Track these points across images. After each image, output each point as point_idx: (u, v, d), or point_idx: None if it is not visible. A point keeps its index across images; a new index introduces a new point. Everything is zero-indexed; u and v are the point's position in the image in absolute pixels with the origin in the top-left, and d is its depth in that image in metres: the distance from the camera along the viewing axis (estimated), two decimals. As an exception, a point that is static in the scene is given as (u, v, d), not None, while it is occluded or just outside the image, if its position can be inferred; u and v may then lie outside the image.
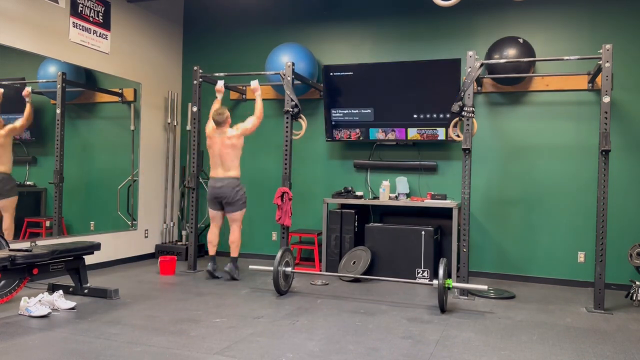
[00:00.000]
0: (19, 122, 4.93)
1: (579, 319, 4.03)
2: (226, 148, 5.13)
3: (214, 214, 5.31)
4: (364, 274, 5.25)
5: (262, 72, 5.77)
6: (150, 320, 3.73)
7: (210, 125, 5.27)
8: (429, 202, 5.43)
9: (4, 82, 4.81)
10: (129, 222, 6.14)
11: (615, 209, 5.12)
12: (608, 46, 4.26)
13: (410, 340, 3.40)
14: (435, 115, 5.56)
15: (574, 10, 5.39)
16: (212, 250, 5.34)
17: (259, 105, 5.29)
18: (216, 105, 5.41)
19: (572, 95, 5.38)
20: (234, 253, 5.28)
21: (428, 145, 5.85)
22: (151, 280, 5.13)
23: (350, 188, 5.85)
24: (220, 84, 5.51)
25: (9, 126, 4.87)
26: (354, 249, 5.52)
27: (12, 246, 4.22)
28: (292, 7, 6.44)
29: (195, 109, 5.61)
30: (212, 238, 5.34)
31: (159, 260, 5.52)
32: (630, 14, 5.21)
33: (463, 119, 4.63)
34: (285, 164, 5.21)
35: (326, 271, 5.62)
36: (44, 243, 4.62)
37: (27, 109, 4.98)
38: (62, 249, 4.13)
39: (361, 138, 5.90)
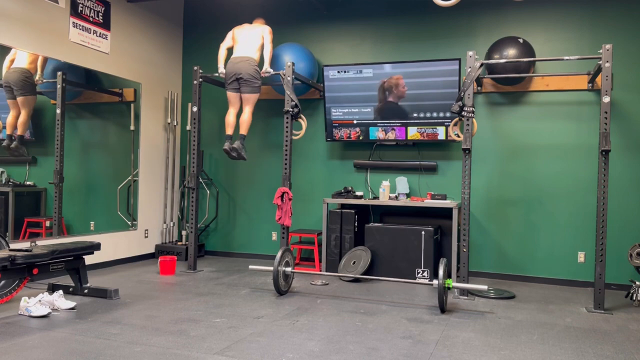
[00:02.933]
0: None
1: (579, 319, 4.03)
2: (250, 39, 5.44)
3: (231, 96, 5.48)
4: (364, 274, 5.25)
5: (262, 72, 5.76)
6: (150, 320, 3.73)
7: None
8: (429, 202, 5.43)
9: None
10: (129, 222, 6.14)
11: (615, 209, 5.12)
12: (608, 46, 4.26)
13: (410, 340, 3.40)
14: (435, 114, 5.56)
15: (574, 10, 5.39)
16: (229, 130, 5.56)
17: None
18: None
19: (572, 95, 5.38)
20: (243, 131, 5.52)
21: (428, 145, 5.85)
22: (151, 280, 5.13)
23: (350, 188, 5.85)
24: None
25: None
26: (354, 249, 5.52)
27: (12, 246, 4.22)
28: (292, 7, 6.44)
29: (195, 109, 5.60)
30: (230, 119, 5.54)
31: (159, 260, 5.52)
32: (630, 14, 5.21)
33: (463, 119, 4.63)
34: (285, 164, 5.22)
35: (326, 271, 5.62)
36: (44, 243, 4.62)
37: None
38: (62, 249, 4.13)
39: (361, 138, 5.90)
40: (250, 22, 5.70)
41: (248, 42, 5.43)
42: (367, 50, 6.13)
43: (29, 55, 4.92)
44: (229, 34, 5.60)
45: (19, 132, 4.98)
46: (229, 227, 6.73)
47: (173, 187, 6.78)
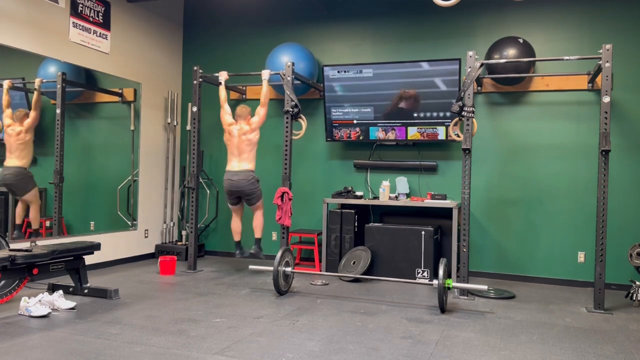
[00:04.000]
0: (31, 113, 5.01)
1: (579, 319, 4.03)
2: (243, 143, 5.25)
3: (233, 208, 5.45)
4: (364, 274, 5.25)
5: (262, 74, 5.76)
6: (150, 320, 3.73)
7: (227, 118, 5.34)
8: (429, 202, 5.43)
9: (4, 81, 4.82)
10: (129, 222, 6.14)
11: (615, 209, 5.12)
12: (608, 46, 4.26)
13: (410, 340, 3.40)
14: (435, 114, 5.56)
15: (574, 10, 5.39)
16: (236, 237, 5.52)
17: (263, 91, 5.29)
18: (222, 91, 5.41)
19: (572, 95, 5.38)
20: (258, 235, 5.49)
21: (428, 145, 5.85)
22: (151, 280, 5.13)
23: (350, 188, 5.85)
24: (223, 73, 5.49)
25: (26, 122, 4.96)
26: (354, 249, 5.52)
27: (12, 246, 4.22)
28: (292, 7, 6.44)
29: (195, 109, 5.60)
30: (235, 227, 5.52)
31: (159, 260, 5.52)
32: (630, 14, 5.21)
33: (463, 119, 4.63)
34: (285, 164, 5.21)
35: (326, 271, 5.62)
36: (44, 243, 4.62)
37: (35, 96, 5.04)
38: (62, 249, 4.13)
39: (361, 138, 5.90)
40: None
41: (240, 149, 5.22)
42: (367, 50, 6.12)
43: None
44: (228, 118, 5.32)
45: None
46: (229, 227, 6.68)
47: (173, 187, 6.78)
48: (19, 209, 4.94)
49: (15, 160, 4.90)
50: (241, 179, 5.18)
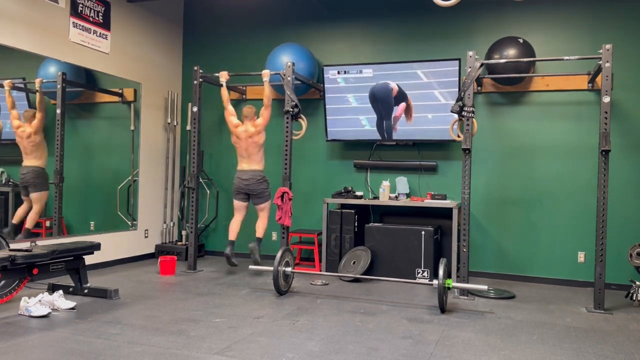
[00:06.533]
0: (36, 115, 5.04)
1: (579, 319, 4.03)
2: (249, 144, 5.36)
3: (238, 205, 5.50)
4: (364, 274, 5.25)
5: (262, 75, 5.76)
6: (150, 320, 3.73)
7: (232, 120, 5.42)
8: (428, 202, 5.43)
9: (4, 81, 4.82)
10: (129, 222, 6.14)
11: (615, 209, 5.12)
12: (608, 46, 4.26)
13: (410, 340, 3.40)
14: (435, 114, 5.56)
15: (574, 10, 5.39)
16: (232, 236, 5.52)
17: (265, 93, 5.33)
18: (225, 92, 5.47)
19: (572, 95, 5.38)
20: (259, 234, 5.53)
21: (428, 145, 5.85)
22: (151, 280, 5.13)
23: (350, 188, 5.85)
24: (224, 74, 5.49)
25: (33, 123, 5.01)
26: (354, 249, 5.52)
27: (12, 246, 4.22)
28: (292, 7, 6.44)
29: (195, 109, 5.60)
30: (234, 226, 5.54)
31: (159, 260, 5.52)
32: (630, 14, 5.21)
33: (463, 119, 4.63)
34: (285, 164, 5.22)
35: (326, 271, 5.62)
36: (44, 243, 4.63)
37: (38, 97, 5.07)
38: (62, 249, 4.13)
39: (361, 138, 5.89)
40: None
41: (249, 151, 5.35)
42: (367, 50, 6.12)
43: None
44: (233, 119, 5.42)
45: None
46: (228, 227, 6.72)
47: (173, 187, 6.78)
48: (22, 209, 4.96)
49: (32, 160, 5.03)
50: (250, 178, 5.35)
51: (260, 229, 5.52)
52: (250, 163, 5.39)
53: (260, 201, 5.46)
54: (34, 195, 5.05)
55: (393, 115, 5.67)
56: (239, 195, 5.46)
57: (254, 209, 5.55)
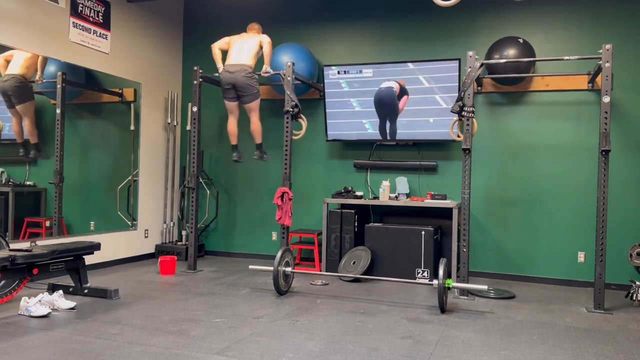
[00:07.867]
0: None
1: (579, 319, 4.03)
2: (246, 46, 5.31)
3: (230, 105, 5.46)
4: (364, 274, 5.25)
5: (262, 72, 5.76)
6: (150, 320, 3.73)
7: (221, 44, 5.46)
8: (428, 202, 5.43)
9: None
10: (129, 222, 6.14)
11: (615, 209, 5.12)
12: (608, 46, 4.26)
13: (410, 340, 3.40)
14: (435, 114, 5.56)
15: (574, 10, 5.40)
16: (233, 140, 5.58)
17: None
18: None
19: (572, 95, 5.38)
20: (258, 140, 5.53)
21: (428, 145, 5.85)
22: (151, 280, 5.13)
23: (350, 188, 5.85)
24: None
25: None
26: (354, 249, 5.52)
27: (12, 246, 4.22)
28: (292, 7, 6.44)
29: (195, 109, 5.60)
30: (232, 129, 5.57)
31: (159, 260, 5.52)
32: (630, 14, 5.21)
33: (463, 119, 4.63)
34: (285, 164, 5.21)
35: (326, 271, 5.62)
36: (44, 243, 4.62)
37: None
38: (62, 249, 4.13)
39: (361, 138, 5.89)
40: (246, 29, 5.58)
41: (243, 48, 5.31)
42: (367, 50, 6.12)
43: (25, 60, 4.90)
44: (225, 38, 5.50)
45: (32, 141, 5.03)
46: (229, 227, 6.73)
47: (173, 187, 6.78)
48: (16, 124, 4.83)
49: (15, 68, 4.86)
50: (237, 71, 5.23)
51: (256, 133, 5.48)
52: (239, 58, 5.24)
53: (248, 99, 5.27)
54: (19, 107, 4.90)
55: (397, 114, 5.67)
56: (227, 93, 5.33)
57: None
